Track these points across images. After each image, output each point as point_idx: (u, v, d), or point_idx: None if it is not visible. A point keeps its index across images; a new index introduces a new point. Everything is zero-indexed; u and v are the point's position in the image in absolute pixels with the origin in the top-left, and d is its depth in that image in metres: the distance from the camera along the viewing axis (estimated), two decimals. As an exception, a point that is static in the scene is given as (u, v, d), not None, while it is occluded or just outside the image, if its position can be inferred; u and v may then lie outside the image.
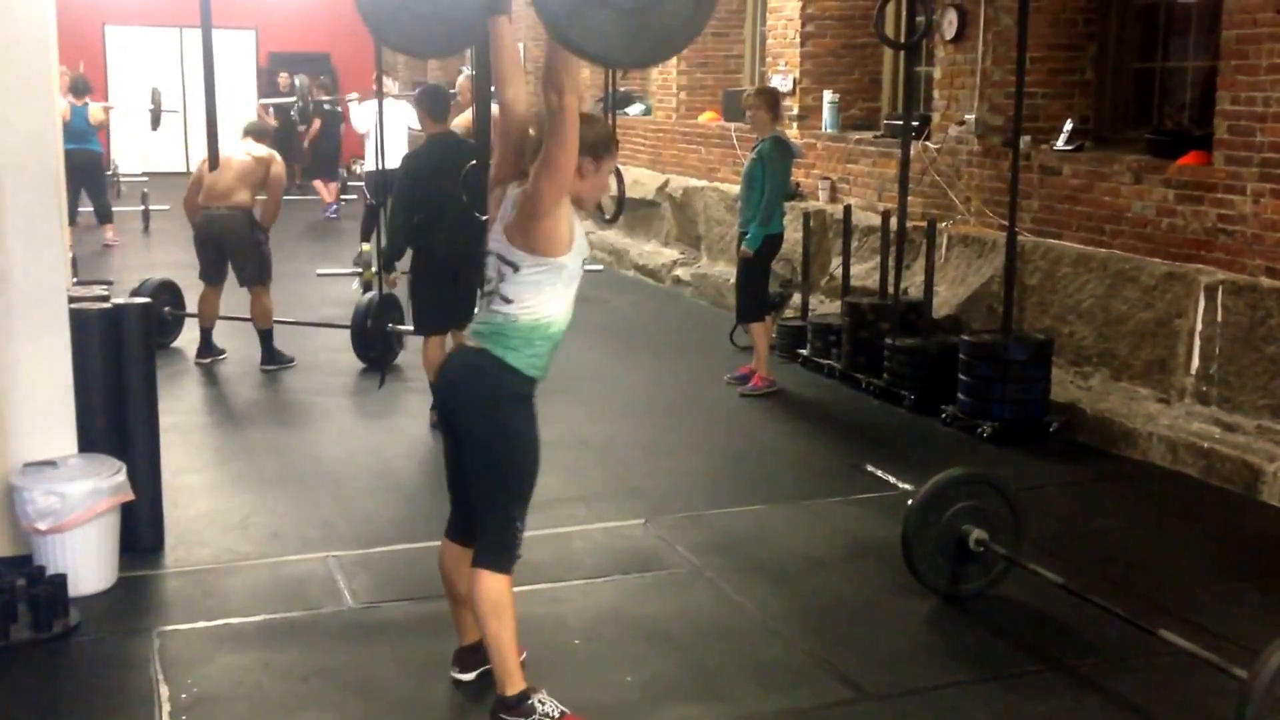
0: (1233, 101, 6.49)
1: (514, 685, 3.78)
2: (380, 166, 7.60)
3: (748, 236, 8.02)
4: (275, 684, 4.20)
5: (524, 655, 4.10)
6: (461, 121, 8.43)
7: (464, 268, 6.74)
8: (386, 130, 8.04)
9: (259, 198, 8.53)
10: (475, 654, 4.11)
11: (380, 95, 7.91)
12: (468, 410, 3.78)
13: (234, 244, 8.39)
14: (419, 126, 7.76)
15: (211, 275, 8.54)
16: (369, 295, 8.69)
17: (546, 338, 3.79)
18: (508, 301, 3.73)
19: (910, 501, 4.87)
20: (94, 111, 13.56)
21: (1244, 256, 6.42)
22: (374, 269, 9.56)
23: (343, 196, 17.38)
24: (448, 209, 6.66)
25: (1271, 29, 6.24)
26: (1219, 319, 6.46)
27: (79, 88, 13.48)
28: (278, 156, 8.68)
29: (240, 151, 8.47)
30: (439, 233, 6.84)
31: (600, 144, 3.74)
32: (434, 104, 7.22)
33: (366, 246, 10.96)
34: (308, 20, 23.58)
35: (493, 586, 3.74)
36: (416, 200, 6.91)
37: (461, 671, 4.14)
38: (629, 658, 4.36)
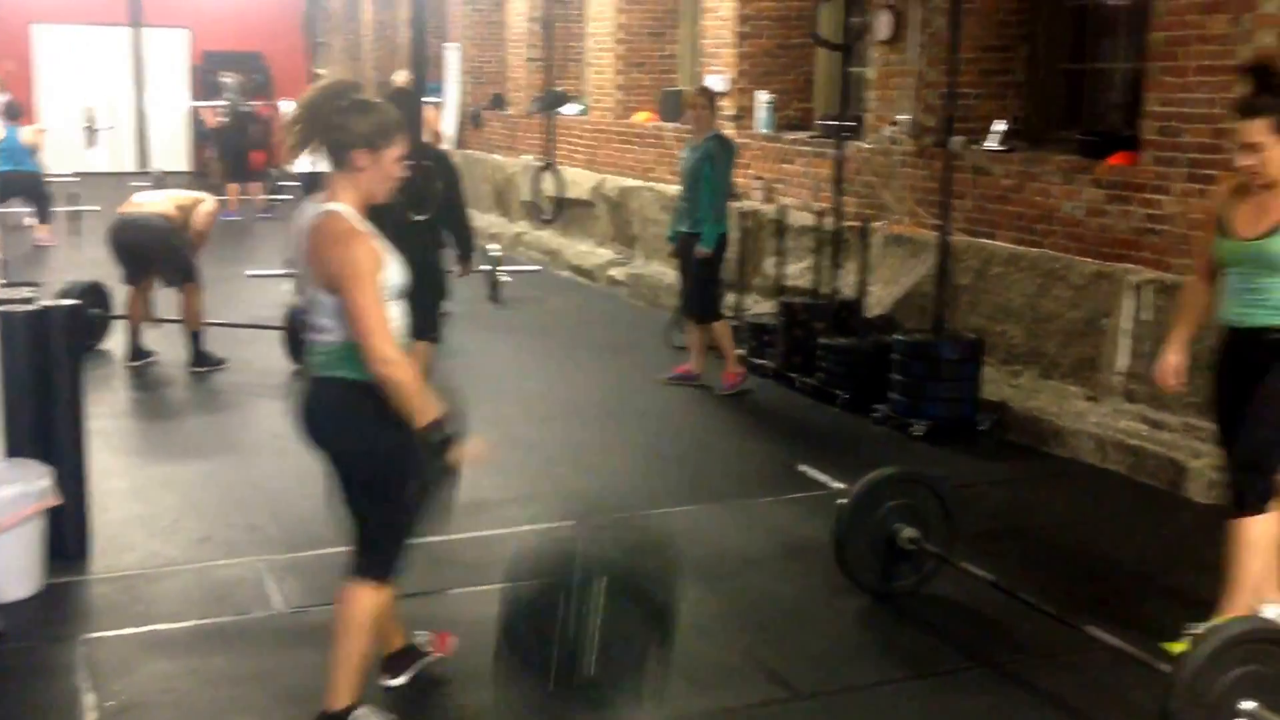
0: (1161, 103, 6.59)
1: (342, 700, 3.68)
2: (315, 167, 7.54)
3: (703, 236, 7.89)
4: (204, 690, 4.15)
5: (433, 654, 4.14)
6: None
7: (419, 275, 6.71)
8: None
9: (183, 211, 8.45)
10: (403, 658, 4.08)
11: None
12: (337, 438, 3.62)
13: (149, 249, 8.26)
14: None
15: (135, 278, 8.43)
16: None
17: None
18: (328, 330, 3.52)
19: (842, 501, 4.89)
20: (25, 134, 13.77)
21: (1171, 255, 6.51)
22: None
23: (274, 198, 17.21)
24: (397, 213, 6.60)
25: (1199, 31, 6.34)
26: (1146, 318, 6.55)
27: (11, 111, 13.66)
28: (207, 199, 8.63)
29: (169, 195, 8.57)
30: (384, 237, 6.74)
31: (377, 134, 3.50)
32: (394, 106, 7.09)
33: None
34: (242, 19, 23.34)
35: (362, 600, 3.66)
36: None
37: (392, 677, 4.09)
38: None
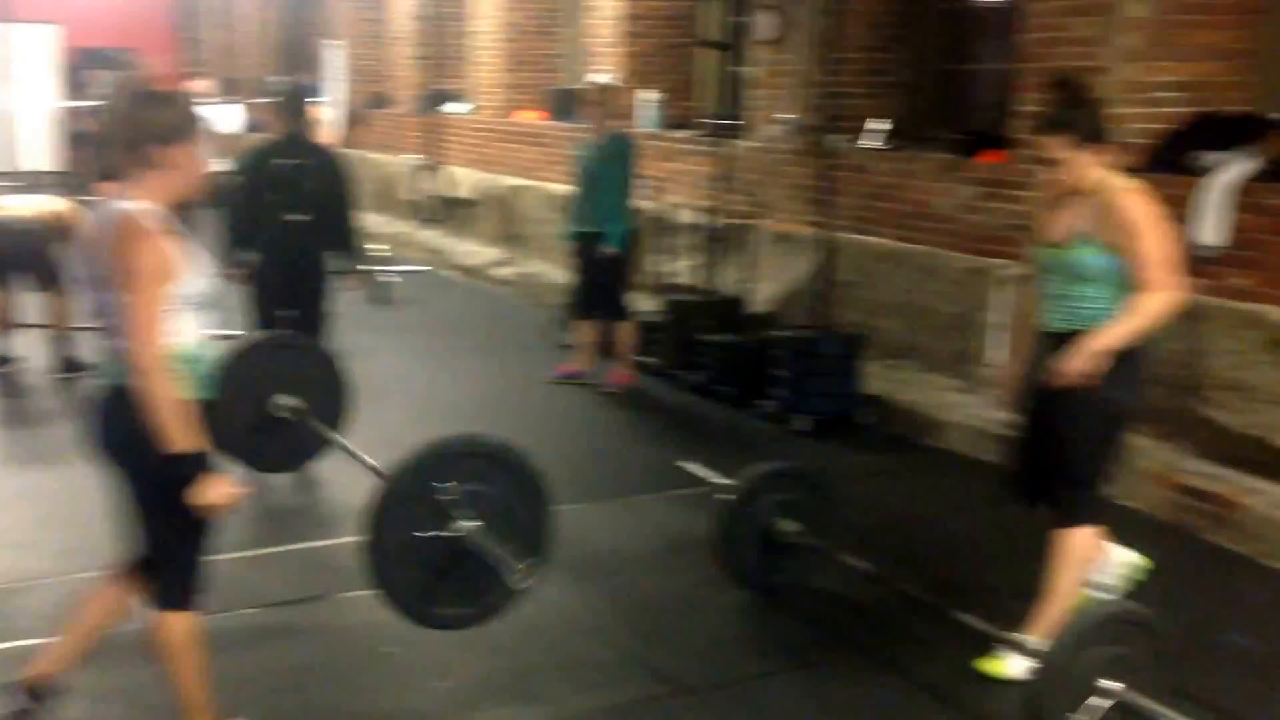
0: (1030, 103, 6.73)
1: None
2: None
3: (609, 236, 7.79)
4: (66, 707, 4.01)
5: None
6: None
7: (299, 276, 6.69)
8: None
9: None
10: (42, 690, 3.76)
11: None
12: (128, 451, 3.44)
13: (16, 252, 7.98)
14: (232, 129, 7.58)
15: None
16: None
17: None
18: (122, 335, 3.33)
19: (723, 496, 4.92)
20: None
21: (1042, 252, 6.66)
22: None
23: None
24: (272, 213, 6.56)
25: (1066, 34, 6.50)
26: (1016, 311, 6.69)
27: None
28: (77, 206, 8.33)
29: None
30: (267, 238, 6.65)
31: (175, 129, 3.33)
32: (281, 104, 6.94)
33: None
34: (114, 15, 22.80)
35: (173, 629, 3.55)
36: (246, 203, 6.70)
37: (15, 696, 3.74)
38: (444, 663, 4.32)
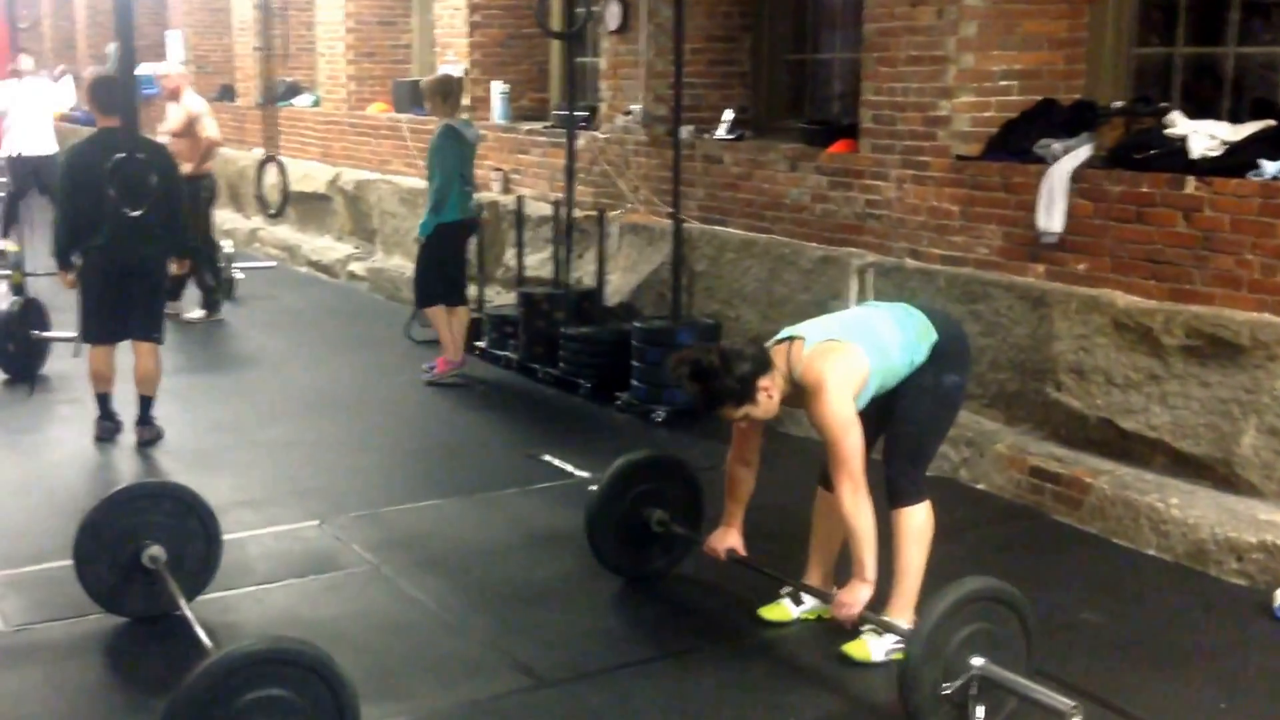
0: (875, 92, 6.86)
1: None
2: (19, 152, 7.08)
3: (421, 224, 8.04)
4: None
5: None
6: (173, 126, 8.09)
7: (135, 274, 6.48)
8: (29, 112, 7.51)
9: None
10: None
11: (17, 74, 7.40)
12: None
13: None
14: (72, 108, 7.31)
15: None
16: (11, 300, 8.13)
17: None
18: None
19: (593, 487, 4.92)
20: None
21: (890, 239, 6.80)
22: (23, 271, 8.97)
23: None
24: (111, 209, 6.30)
25: (908, 23, 6.63)
26: (870, 298, 6.83)
27: None
28: None
29: None
30: (102, 235, 6.40)
31: None
32: (106, 95, 6.59)
33: (10, 245, 10.17)
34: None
35: None
36: (78, 199, 6.44)
37: None
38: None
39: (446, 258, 8.09)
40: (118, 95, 6.50)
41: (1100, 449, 5.74)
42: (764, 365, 4.11)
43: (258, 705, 3.26)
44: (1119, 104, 6.34)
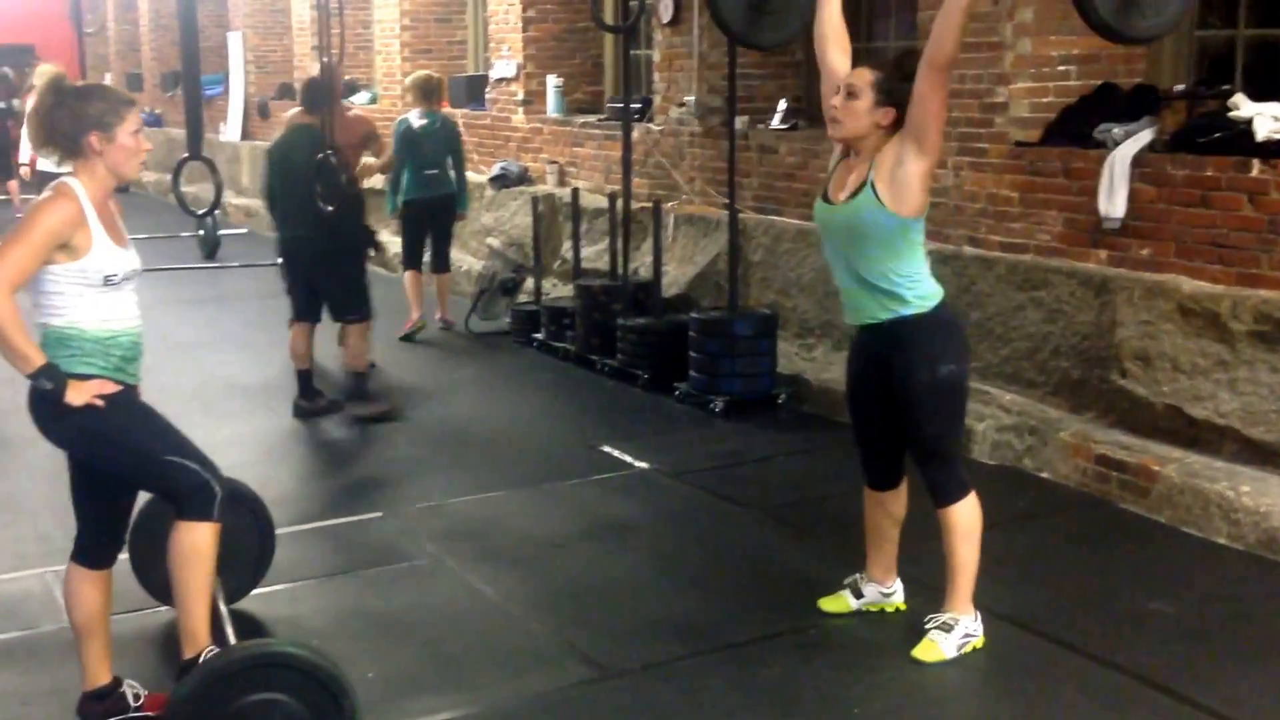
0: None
1: (195, 646, 3.65)
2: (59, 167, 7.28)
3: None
4: (-7, 710, 3.98)
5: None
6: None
7: (320, 258, 6.95)
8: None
9: None
10: (104, 700, 3.81)
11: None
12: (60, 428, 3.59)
13: None
14: None
15: None
16: None
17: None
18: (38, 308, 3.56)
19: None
20: None
21: (948, 227, 6.76)
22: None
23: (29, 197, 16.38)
24: (297, 200, 6.80)
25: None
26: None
27: None
28: None
29: None
30: (296, 227, 6.98)
31: (105, 115, 3.54)
32: (312, 95, 7.16)
33: None
34: (8, 10, 22.24)
35: (187, 536, 3.60)
36: (276, 191, 7.13)
37: None
38: (370, 654, 4.29)
39: (412, 230, 9.14)
40: (321, 96, 6.75)
41: (1168, 436, 5.66)
42: (902, 99, 3.97)
43: (255, 709, 3.29)
44: (1180, 87, 6.27)
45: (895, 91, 4.01)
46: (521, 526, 5.54)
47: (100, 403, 3.49)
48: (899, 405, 4.15)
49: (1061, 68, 6.40)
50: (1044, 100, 6.43)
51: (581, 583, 4.93)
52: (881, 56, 8.21)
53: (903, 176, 3.97)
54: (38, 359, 3.41)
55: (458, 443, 6.88)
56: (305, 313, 7.19)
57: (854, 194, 4.05)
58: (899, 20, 8.05)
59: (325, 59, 6.75)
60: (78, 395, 3.45)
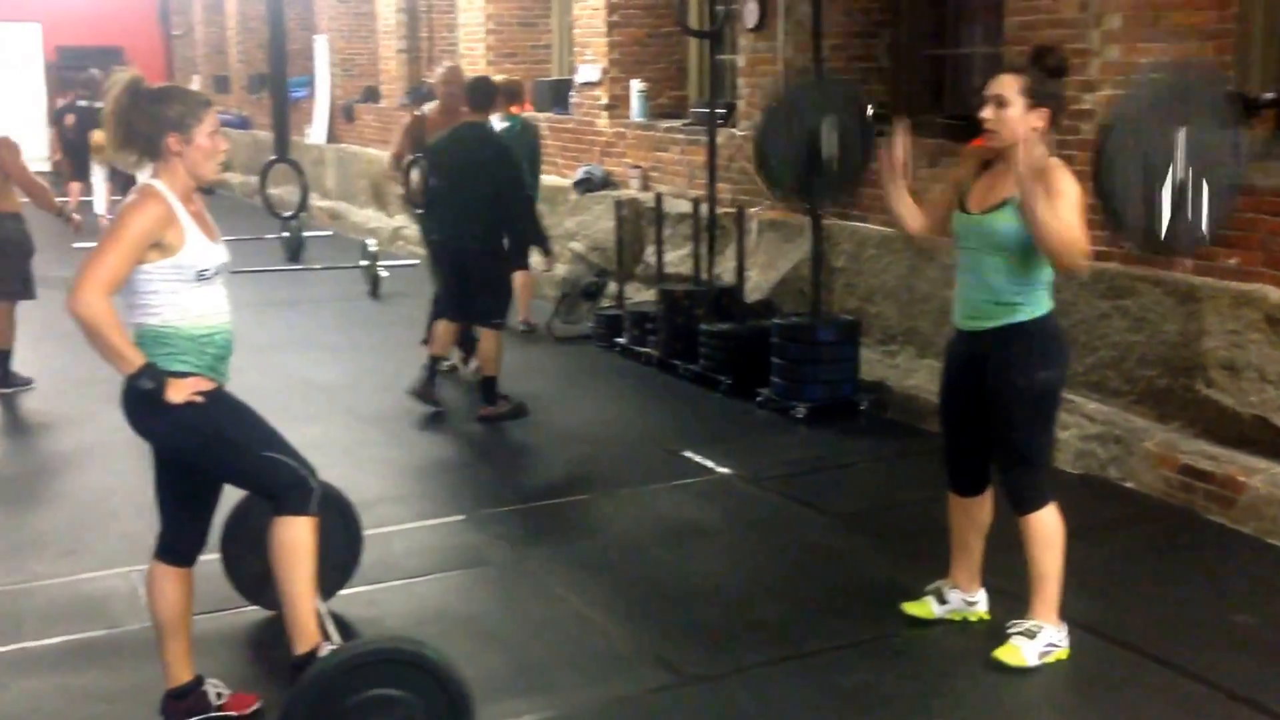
0: (1018, 86, 6.75)
1: (305, 642, 3.70)
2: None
3: None
4: (75, 708, 4.05)
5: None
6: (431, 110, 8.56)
7: (465, 260, 7.08)
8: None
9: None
10: (186, 699, 3.86)
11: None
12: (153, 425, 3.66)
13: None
14: None
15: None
16: None
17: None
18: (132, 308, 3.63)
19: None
20: None
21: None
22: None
23: (117, 198, 16.64)
24: (462, 200, 6.99)
25: (1050, 15, 6.52)
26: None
27: None
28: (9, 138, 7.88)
29: None
30: (446, 224, 7.16)
31: (184, 116, 3.59)
32: (478, 94, 7.29)
33: None
34: (98, 12, 22.72)
35: (287, 532, 3.66)
36: (435, 187, 7.23)
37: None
38: (453, 657, 4.34)
39: None
40: (486, 96, 6.91)
41: (1254, 447, 5.57)
42: (1061, 104, 4.09)
43: (372, 704, 3.33)
44: (1270, 95, 6.16)
45: (1045, 92, 4.03)
46: (602, 531, 5.59)
47: (200, 400, 3.56)
48: (992, 407, 4.15)
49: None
50: (1133, 107, 6.35)
51: (662, 588, 4.96)
52: (967, 64, 8.16)
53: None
54: (137, 359, 3.48)
55: (539, 446, 6.94)
56: (457, 313, 7.26)
57: (995, 207, 4.08)
58: (985, 27, 7.99)
59: (452, 62, 6.86)
60: (178, 393, 3.52)
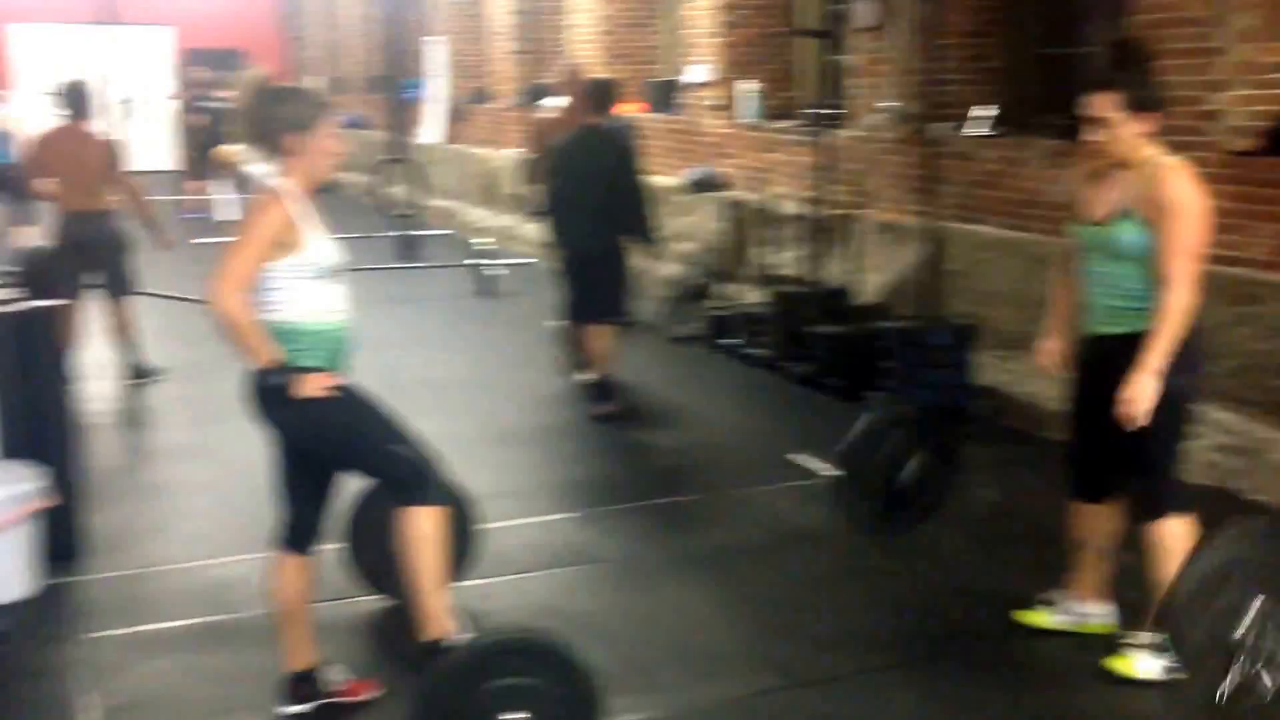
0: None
1: (438, 628, 3.75)
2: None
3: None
4: (201, 688, 4.16)
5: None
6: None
7: (586, 260, 7.12)
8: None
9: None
10: (305, 684, 3.94)
11: None
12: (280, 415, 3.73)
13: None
14: None
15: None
16: None
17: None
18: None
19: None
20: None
21: (1157, 238, 6.53)
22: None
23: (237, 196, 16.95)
24: (587, 201, 7.02)
25: (1177, 14, 6.37)
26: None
27: None
28: (116, 140, 8.05)
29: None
30: (572, 225, 7.18)
31: (304, 117, 3.67)
32: (599, 96, 7.33)
33: None
34: (222, 15, 23.31)
35: (414, 523, 3.71)
36: (556, 189, 7.25)
37: (289, 704, 3.93)
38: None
39: None
40: (606, 98, 6.99)
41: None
42: (1160, 100, 3.94)
43: (508, 693, 3.33)
44: None
45: (1142, 96, 3.91)
46: (711, 531, 5.55)
47: (327, 394, 3.64)
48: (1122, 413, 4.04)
49: (1281, 74, 6.14)
50: (1261, 109, 6.17)
51: (771, 590, 4.92)
52: (1087, 63, 7.99)
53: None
54: (269, 354, 3.57)
55: (649, 446, 6.93)
56: (587, 313, 7.29)
57: (1115, 217, 3.98)
58: (1105, 24, 7.81)
59: (572, 63, 6.90)
60: (308, 388, 3.60)
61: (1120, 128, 3.90)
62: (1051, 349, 4.39)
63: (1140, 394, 3.87)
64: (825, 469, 6.25)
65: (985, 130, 7.93)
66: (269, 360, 3.57)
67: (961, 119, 8.16)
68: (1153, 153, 3.95)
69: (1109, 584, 4.39)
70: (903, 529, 5.07)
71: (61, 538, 5.10)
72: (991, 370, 7.36)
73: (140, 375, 8.13)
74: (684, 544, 5.39)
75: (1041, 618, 4.42)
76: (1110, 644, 4.21)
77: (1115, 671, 4.07)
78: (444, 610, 3.79)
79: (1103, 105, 3.90)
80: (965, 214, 7.89)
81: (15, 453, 4.96)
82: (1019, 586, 4.65)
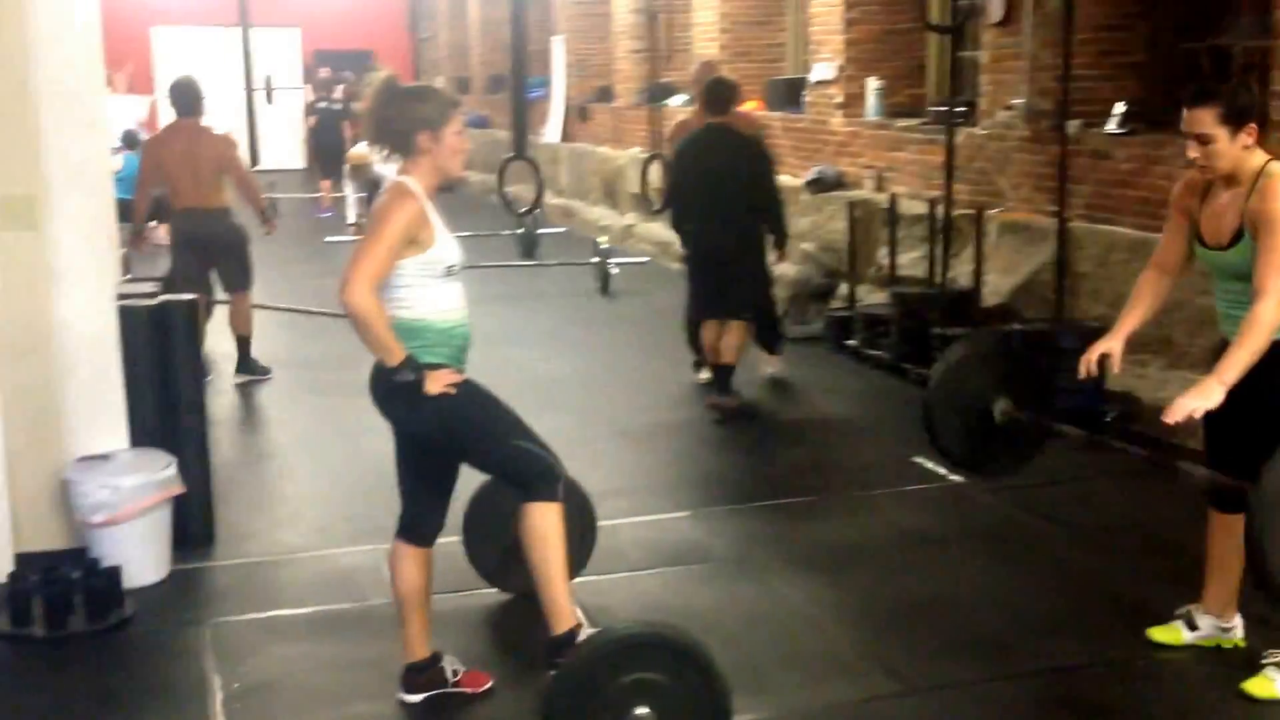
0: (1287, 82, 6.38)
1: (564, 623, 3.77)
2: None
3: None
4: (324, 674, 4.23)
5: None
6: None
7: (725, 259, 7.10)
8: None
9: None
10: (422, 674, 3.99)
11: None
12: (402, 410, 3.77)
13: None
14: None
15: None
16: None
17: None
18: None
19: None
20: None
21: None
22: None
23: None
24: (716, 200, 7.02)
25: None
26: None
27: (129, 140, 13.49)
28: (230, 135, 8.13)
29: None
30: (692, 223, 7.23)
31: (434, 115, 3.68)
32: (718, 97, 7.33)
33: None
34: (350, 17, 23.78)
35: (538, 518, 3.73)
36: (683, 188, 7.28)
37: (408, 692, 3.99)
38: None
39: None
40: (726, 98, 7.02)
41: None
42: (1262, 109, 3.82)
43: (637, 687, 3.32)
44: None
45: (1242, 107, 3.75)
46: (828, 533, 5.48)
47: (454, 391, 3.67)
48: (1261, 422, 3.89)
49: None
50: None
51: (888, 594, 4.84)
52: (1230, 57, 7.75)
53: None
54: (400, 351, 3.60)
55: (767, 446, 6.88)
56: (712, 310, 7.28)
57: (1234, 240, 3.84)
58: (1250, 19, 7.55)
59: (707, 60, 6.89)
60: (435, 384, 3.63)
61: (1220, 145, 3.76)
62: (1105, 347, 4.22)
63: (1195, 401, 3.72)
64: (948, 473, 6.14)
65: (1119, 127, 7.71)
66: (399, 358, 3.59)
67: (1095, 115, 7.95)
68: (1261, 162, 3.79)
69: (1240, 597, 4.23)
70: (991, 471, 4.90)
71: (192, 525, 5.23)
72: (1125, 375, 7.14)
73: (257, 370, 8.29)
74: (799, 545, 5.33)
75: (1175, 634, 4.27)
76: (1249, 662, 4.06)
77: (1252, 694, 3.91)
78: (570, 604, 3.81)
79: (1203, 121, 3.76)
80: (1097, 214, 7.68)
81: (150, 441, 5.09)
82: (1152, 600, 4.51)
